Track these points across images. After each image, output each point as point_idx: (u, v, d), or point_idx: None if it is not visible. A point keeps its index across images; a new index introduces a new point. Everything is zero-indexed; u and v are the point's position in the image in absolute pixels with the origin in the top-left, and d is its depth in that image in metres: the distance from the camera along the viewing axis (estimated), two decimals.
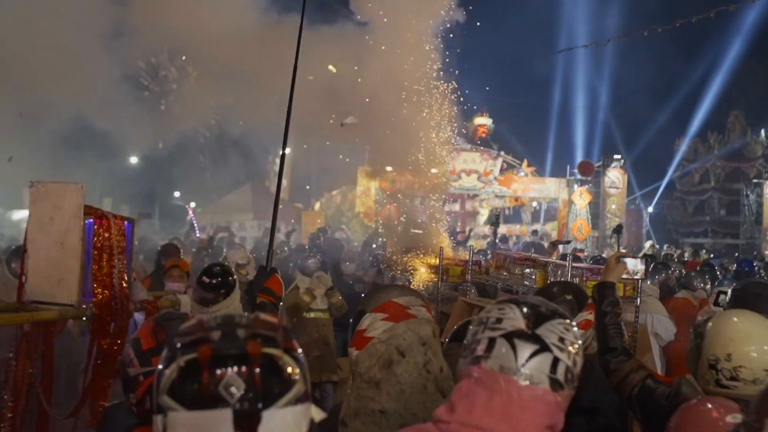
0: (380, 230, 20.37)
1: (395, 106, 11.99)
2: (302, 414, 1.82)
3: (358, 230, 25.64)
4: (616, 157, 30.91)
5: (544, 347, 2.11)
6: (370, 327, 3.27)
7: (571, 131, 42.35)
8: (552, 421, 2.11)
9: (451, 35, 13.16)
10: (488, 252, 12.46)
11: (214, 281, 5.81)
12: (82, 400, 4.41)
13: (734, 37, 43.09)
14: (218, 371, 1.72)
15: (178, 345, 1.80)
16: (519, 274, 6.22)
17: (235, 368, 1.73)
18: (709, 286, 9.83)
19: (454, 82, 12.75)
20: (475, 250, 12.66)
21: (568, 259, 5.60)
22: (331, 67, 15.26)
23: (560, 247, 24.87)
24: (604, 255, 17.63)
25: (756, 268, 14.94)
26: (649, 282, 8.37)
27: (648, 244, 27.75)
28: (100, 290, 4.19)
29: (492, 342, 2.14)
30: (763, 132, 38.41)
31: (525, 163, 29.28)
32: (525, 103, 46.65)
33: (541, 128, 43.67)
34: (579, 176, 29.41)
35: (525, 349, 2.10)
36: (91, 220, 4.21)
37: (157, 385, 1.77)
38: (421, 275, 8.90)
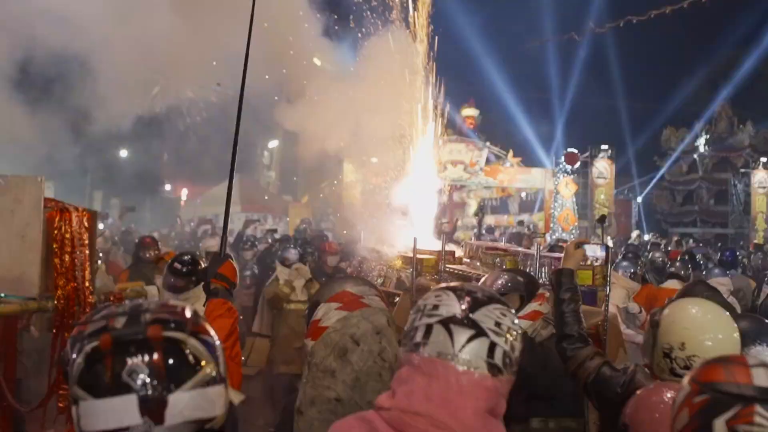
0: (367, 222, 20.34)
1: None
2: (215, 396, 1.82)
3: (345, 222, 25.59)
4: (603, 147, 30.86)
5: (480, 332, 2.13)
6: (324, 317, 3.29)
7: (557, 121, 42.37)
8: (491, 405, 2.13)
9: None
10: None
11: (184, 269, 5.92)
12: (49, 394, 4.41)
13: (721, 26, 43.21)
14: (121, 358, 1.73)
15: (84, 334, 1.80)
16: (490, 264, 6.24)
17: (137, 354, 1.73)
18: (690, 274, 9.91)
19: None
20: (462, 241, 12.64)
21: (536, 248, 5.61)
22: (315, 60, 15.23)
23: (547, 237, 24.96)
24: None
25: (740, 257, 14.99)
26: (621, 272, 8.37)
27: (635, 234, 27.82)
28: (62, 283, 4.17)
29: (429, 328, 2.16)
30: (749, 122, 38.45)
31: (511, 153, 29.24)
32: (511, 93, 46.62)
33: (527, 118, 43.65)
34: (566, 166, 29.36)
35: (461, 335, 2.12)
36: (52, 213, 4.21)
37: (70, 377, 1.78)
38: (398, 266, 8.90)
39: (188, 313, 1.88)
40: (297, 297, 9.44)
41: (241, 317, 10.92)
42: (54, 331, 4.34)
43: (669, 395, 2.98)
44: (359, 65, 12.62)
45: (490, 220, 31.68)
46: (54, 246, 4.21)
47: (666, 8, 10.73)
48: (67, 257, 4.22)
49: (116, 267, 11.54)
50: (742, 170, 38.39)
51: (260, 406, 9.87)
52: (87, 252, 4.37)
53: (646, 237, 27.41)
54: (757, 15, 38.59)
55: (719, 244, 28.05)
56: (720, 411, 1.92)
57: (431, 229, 17.76)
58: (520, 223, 28.74)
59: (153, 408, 1.71)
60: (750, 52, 41.97)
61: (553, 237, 25.35)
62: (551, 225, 28.66)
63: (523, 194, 33.90)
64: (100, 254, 9.34)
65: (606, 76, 48.02)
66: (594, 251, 4.75)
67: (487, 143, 28.86)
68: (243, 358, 10.02)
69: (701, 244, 25.54)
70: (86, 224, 4.41)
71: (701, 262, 14.08)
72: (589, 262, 4.98)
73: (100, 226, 18.66)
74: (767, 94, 40.69)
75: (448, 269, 6.94)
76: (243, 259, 13.82)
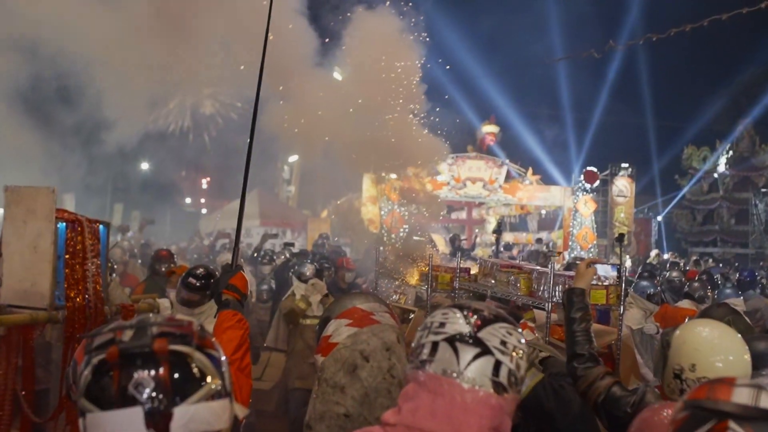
0: (385, 238, 20.37)
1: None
2: (220, 410, 1.85)
3: (363, 238, 25.60)
4: (623, 165, 30.77)
5: (485, 350, 2.15)
6: (335, 333, 3.30)
7: (578, 139, 42.30)
8: (495, 424, 2.13)
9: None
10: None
11: (198, 283, 5.91)
12: (61, 405, 4.43)
13: (743, 45, 43.05)
14: (127, 371, 1.75)
15: (92, 346, 1.83)
16: (504, 281, 6.23)
17: (144, 367, 1.75)
18: (710, 294, 9.87)
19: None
20: (477, 258, 12.61)
21: (551, 266, 5.59)
22: (336, 73, 15.29)
23: (565, 255, 24.89)
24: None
25: (758, 278, 14.87)
26: (638, 292, 8.32)
27: (653, 253, 27.66)
28: (73, 294, 4.19)
29: (435, 346, 2.18)
30: None
31: (530, 171, 29.16)
32: (532, 110, 46.67)
33: (547, 136, 43.67)
34: (585, 184, 29.27)
35: (467, 353, 2.14)
36: (64, 224, 4.23)
37: (77, 389, 1.80)
38: (414, 282, 8.89)
39: (194, 328, 1.89)
40: (313, 312, 9.40)
41: (260, 335, 10.95)
42: (65, 342, 4.36)
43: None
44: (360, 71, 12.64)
45: (509, 237, 31.64)
46: (66, 257, 4.24)
47: (686, 26, 10.71)
48: (78, 268, 4.25)
49: (134, 279, 11.61)
50: (764, 190, 38.18)
51: (275, 420, 9.87)
52: (98, 263, 4.39)
53: (666, 256, 27.26)
54: None
55: (736, 264, 27.86)
56: (695, 426, 1.96)
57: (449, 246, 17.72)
58: (539, 240, 28.66)
59: (158, 421, 1.73)
60: None
61: (572, 255, 25.29)
62: (570, 243, 28.56)
63: (543, 212, 33.79)
64: (114, 266, 9.37)
65: (627, 94, 48.06)
66: (606, 271, 4.76)
67: (507, 160, 28.84)
68: (259, 373, 10.03)
69: (721, 264, 25.39)
70: (98, 236, 4.44)
71: (719, 281, 14.00)
72: (600, 282, 4.97)
73: (123, 239, 18.79)
74: None
75: (462, 286, 6.94)
76: (261, 274, 13.84)
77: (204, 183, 49.39)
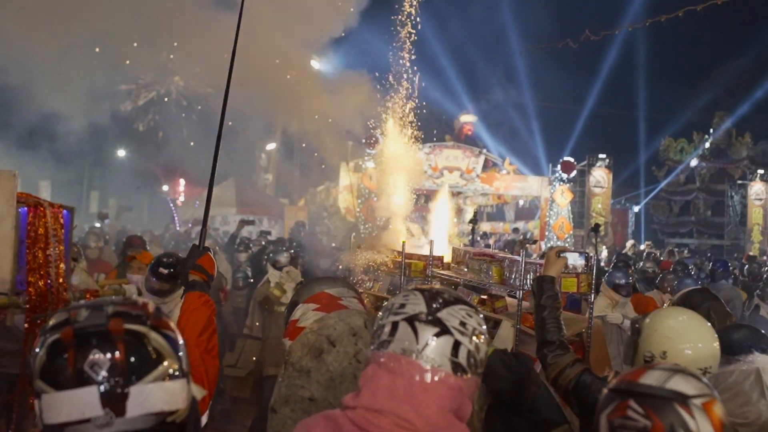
0: (362, 226, 20.42)
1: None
2: (177, 390, 1.84)
3: (340, 226, 25.61)
4: (601, 156, 30.92)
5: (444, 330, 2.14)
6: (302, 317, 3.30)
7: (555, 130, 42.45)
8: (455, 405, 2.13)
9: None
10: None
11: (167, 272, 5.72)
12: (21, 389, 4.39)
13: (720, 36, 43.31)
14: (82, 350, 1.73)
15: (47, 327, 1.82)
16: (477, 269, 6.22)
17: (99, 346, 1.74)
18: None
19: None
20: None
21: (522, 254, 5.59)
22: (314, 61, 15.28)
23: (542, 245, 24.97)
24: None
25: (731, 268, 14.96)
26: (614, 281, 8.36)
27: (629, 243, 27.80)
28: (34, 279, 4.14)
29: (395, 326, 2.18)
30: (748, 134, 38.51)
31: (507, 161, 29.22)
32: (509, 101, 46.81)
33: (525, 126, 43.83)
34: (562, 174, 29.35)
35: (426, 332, 2.13)
36: (26, 208, 4.16)
37: (33, 371, 1.78)
38: (386, 270, 8.86)
39: (150, 308, 1.89)
40: (288, 300, 9.36)
41: (236, 322, 10.91)
42: (26, 326, 4.31)
43: None
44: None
45: (486, 227, 31.70)
46: (27, 242, 4.18)
47: (661, 17, 10.78)
48: (40, 253, 4.19)
49: (107, 265, 11.54)
50: (740, 182, 38.48)
51: (250, 407, 9.87)
52: (62, 248, 4.33)
53: (642, 247, 27.41)
54: (758, 28, 38.75)
55: (709, 254, 28.09)
56: (604, 406, 2.20)
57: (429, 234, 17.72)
58: (516, 230, 28.76)
59: (114, 400, 1.72)
60: (750, 65, 42.11)
61: (548, 245, 25.39)
62: (546, 233, 28.66)
63: (520, 202, 33.88)
64: (82, 251, 9.29)
65: (605, 86, 48.18)
66: (575, 259, 4.76)
67: (484, 150, 28.90)
68: (234, 360, 10.01)
69: (697, 255, 25.56)
70: (61, 221, 4.37)
71: (693, 272, 14.08)
72: (568, 270, 4.97)
73: (102, 226, 18.66)
74: (766, 107, 40.80)
75: (435, 274, 6.92)
76: (237, 261, 13.81)
77: (182, 170, 49.23)
